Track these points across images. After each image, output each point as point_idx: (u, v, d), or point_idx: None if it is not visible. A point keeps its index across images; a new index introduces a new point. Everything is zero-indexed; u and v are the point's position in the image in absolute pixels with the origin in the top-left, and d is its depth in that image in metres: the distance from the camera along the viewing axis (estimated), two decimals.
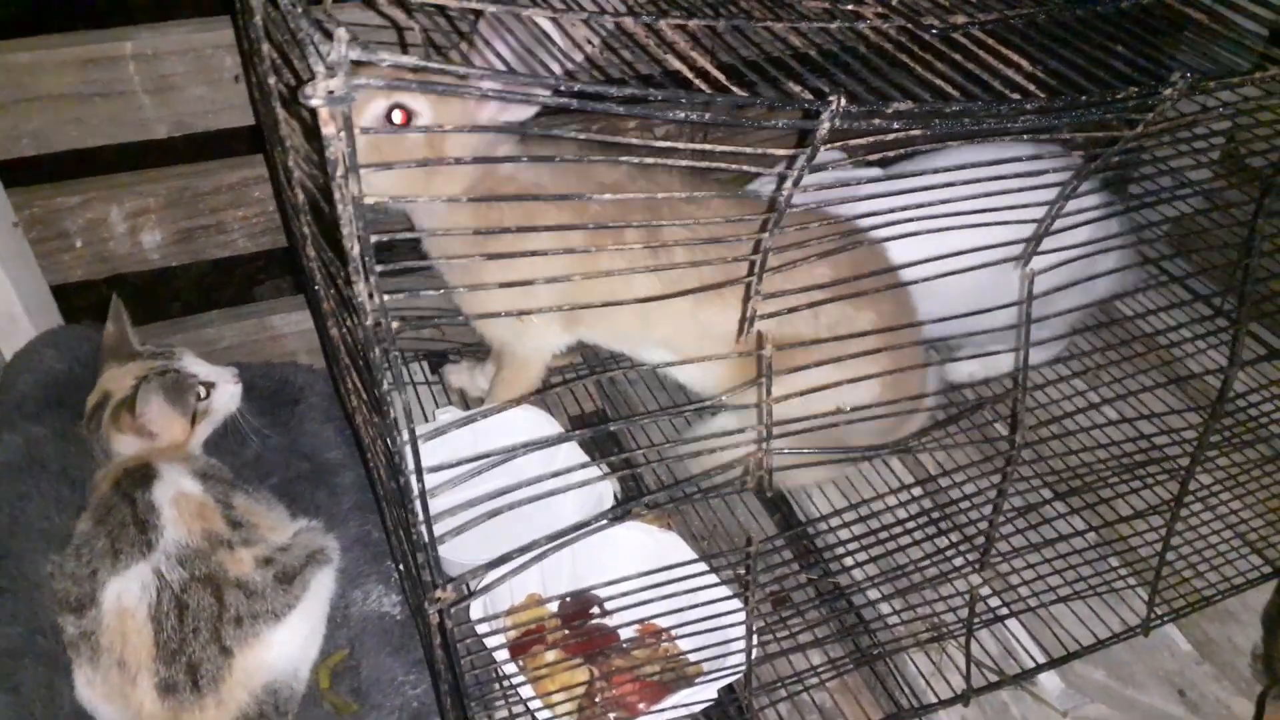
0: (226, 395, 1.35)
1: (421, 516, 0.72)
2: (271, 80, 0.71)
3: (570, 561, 1.36)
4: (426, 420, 1.61)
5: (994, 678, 1.31)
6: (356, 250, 0.56)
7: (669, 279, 1.30)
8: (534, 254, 0.67)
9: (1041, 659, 1.35)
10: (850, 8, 0.80)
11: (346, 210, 0.54)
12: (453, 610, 0.81)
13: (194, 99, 1.44)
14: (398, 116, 1.14)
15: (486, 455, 0.81)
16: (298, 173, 0.76)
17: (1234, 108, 1.12)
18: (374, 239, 0.58)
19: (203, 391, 1.32)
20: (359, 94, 0.49)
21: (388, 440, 0.67)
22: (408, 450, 0.69)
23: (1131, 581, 1.44)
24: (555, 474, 0.89)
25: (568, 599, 1.33)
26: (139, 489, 1.17)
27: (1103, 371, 1.63)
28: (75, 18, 1.43)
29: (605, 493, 1.43)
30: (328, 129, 0.51)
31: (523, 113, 1.15)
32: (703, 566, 1.25)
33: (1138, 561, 1.44)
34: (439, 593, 0.78)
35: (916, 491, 1.51)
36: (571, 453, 1.48)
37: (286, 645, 1.16)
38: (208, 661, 1.09)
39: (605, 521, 0.94)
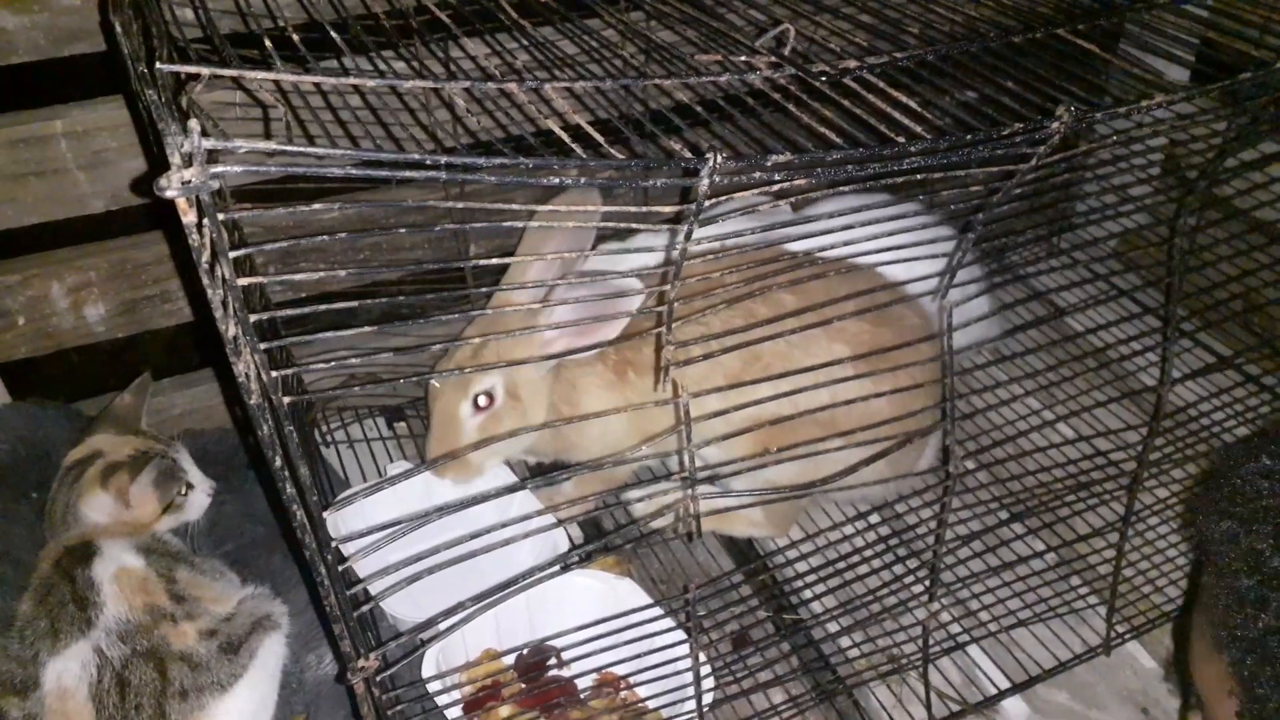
0: (198, 504, 1.36)
1: (331, 588, 0.71)
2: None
3: (527, 613, 1.35)
4: (382, 476, 1.60)
5: (956, 707, 1.31)
6: (233, 332, 0.56)
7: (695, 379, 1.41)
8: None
9: (1004, 684, 1.35)
10: (743, 59, 0.81)
11: (216, 294, 0.55)
12: (379, 678, 0.81)
13: (128, 172, 1.44)
14: (483, 400, 1.37)
15: (440, 507, 0.81)
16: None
17: (1167, 124, 1.14)
18: (255, 317, 0.58)
19: (183, 489, 1.33)
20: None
21: (290, 515, 0.67)
22: (326, 522, 0.69)
23: (1093, 601, 1.44)
24: (509, 523, 0.90)
25: (525, 652, 1.32)
26: (79, 566, 1.16)
27: (1055, 389, 1.64)
28: (5, 98, 1.43)
29: (560, 541, 1.42)
30: (187, 218, 0.51)
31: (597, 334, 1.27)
32: (656, 612, 1.24)
33: (1097, 580, 1.44)
34: (361, 662, 0.77)
35: (874, 519, 1.51)
36: (526, 501, 1.48)
37: (235, 715, 1.14)
38: None
39: (555, 569, 0.94)
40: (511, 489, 1.01)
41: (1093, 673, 1.38)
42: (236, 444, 1.60)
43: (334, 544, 0.71)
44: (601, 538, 1.56)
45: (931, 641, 1.26)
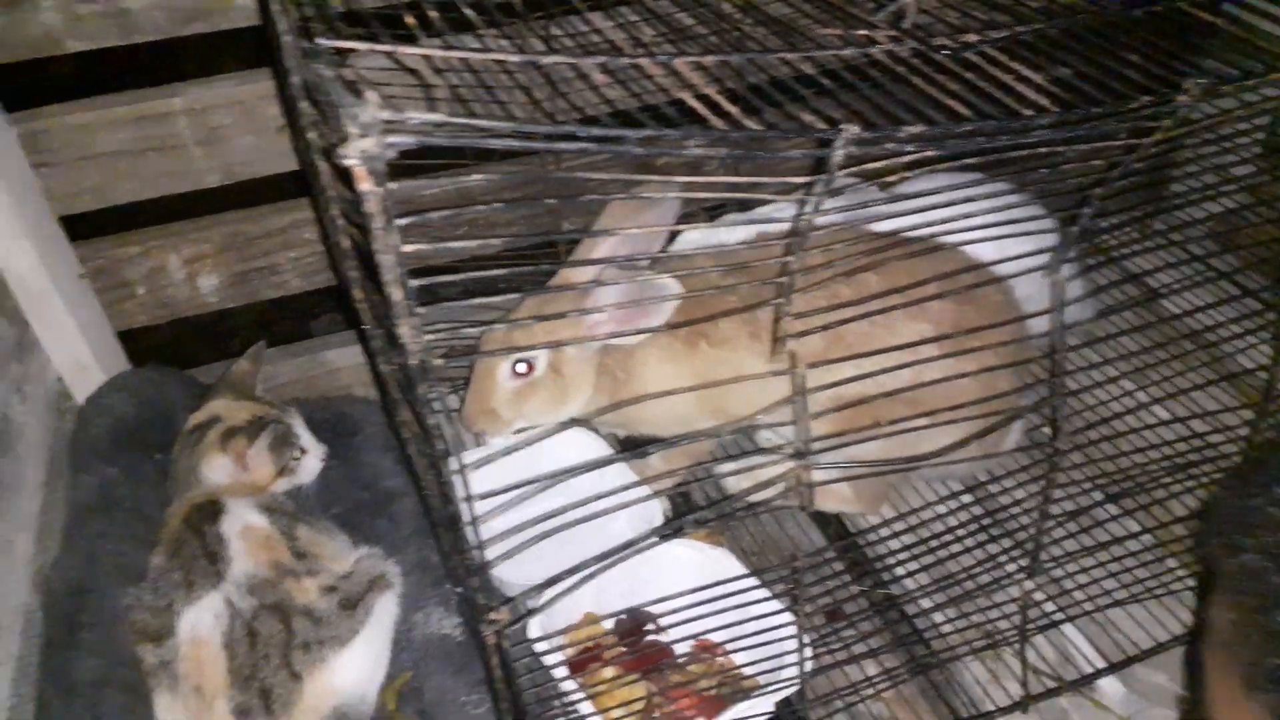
0: (311, 468, 1.42)
1: (473, 542, 0.75)
2: (312, 135, 0.75)
3: (625, 579, 1.38)
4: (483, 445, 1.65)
5: (1052, 684, 1.31)
6: (399, 296, 0.60)
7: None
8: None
9: (1100, 664, 1.34)
10: (862, 33, 0.82)
11: (387, 259, 0.58)
12: (508, 631, 0.85)
13: (242, 148, 1.50)
14: (522, 367, 1.39)
15: (539, 478, 0.84)
16: (341, 221, 0.81)
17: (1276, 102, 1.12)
18: (415, 282, 0.62)
19: (297, 454, 1.39)
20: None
21: (438, 470, 0.70)
22: (457, 479, 0.73)
23: (1190, 583, 1.42)
24: (607, 494, 0.93)
25: (623, 616, 1.35)
26: (207, 523, 1.23)
27: (1151, 371, 1.62)
28: (127, 76, 1.50)
29: (655, 512, 1.45)
30: (364, 186, 0.55)
31: (645, 320, 1.30)
32: (754, 581, 1.27)
33: (1195, 562, 1.43)
34: (494, 615, 0.81)
35: (966, 498, 1.51)
36: (622, 473, 1.51)
37: (353, 669, 1.20)
38: (279, 686, 1.14)
39: (655, 540, 0.97)
40: (610, 460, 1.04)
41: None
42: (339, 411, 1.66)
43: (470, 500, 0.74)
44: (690, 509, 1.59)
45: (1028, 618, 1.27)
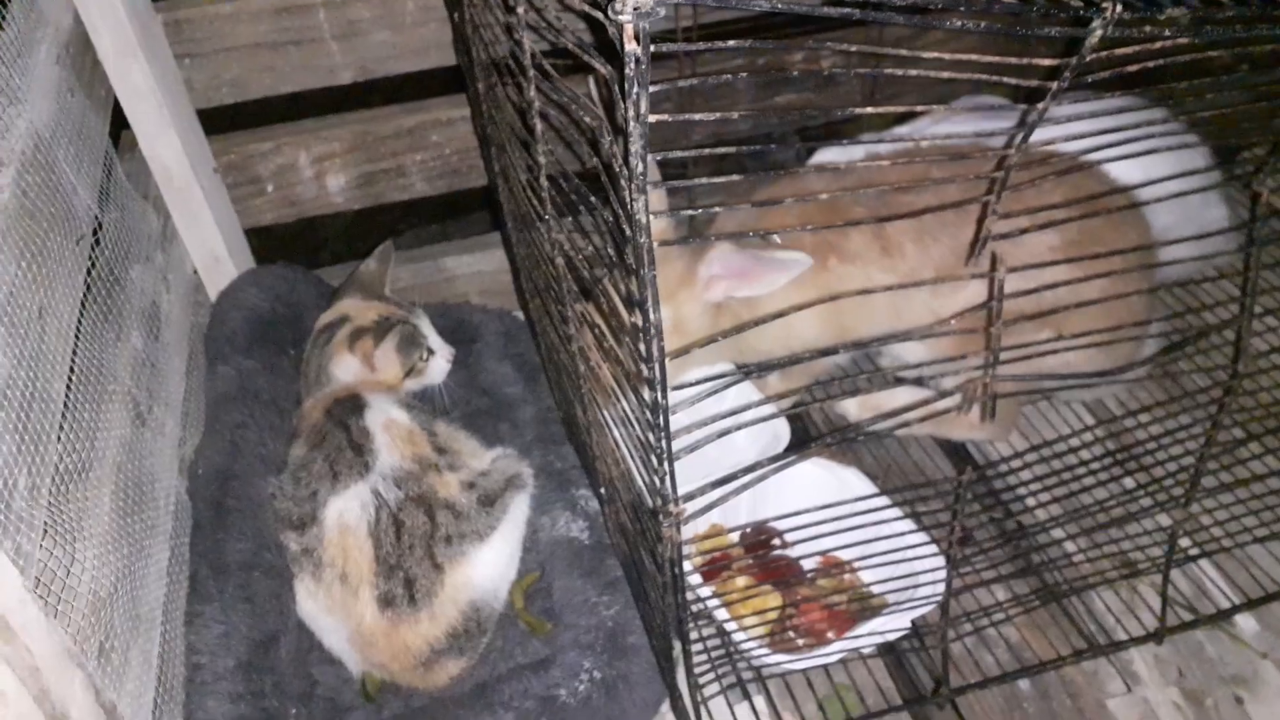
0: (439, 368, 1.42)
1: (664, 431, 0.74)
2: (522, 10, 0.73)
3: (750, 493, 1.37)
4: None
5: (1189, 616, 1.28)
6: (640, 167, 0.58)
7: (904, 272, 1.34)
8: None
9: (1237, 599, 1.31)
10: None
11: (636, 127, 0.56)
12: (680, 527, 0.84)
13: (378, 44, 1.48)
14: None
15: (709, 378, 0.83)
16: (539, 102, 0.79)
17: None
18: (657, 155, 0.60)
19: (425, 355, 1.39)
20: None
21: (649, 354, 0.69)
22: (658, 367, 0.71)
23: None
24: (732, 410, 0.91)
25: (748, 529, 1.35)
26: (352, 416, 1.24)
27: None
28: None
29: (781, 428, 1.44)
30: (630, 45, 0.52)
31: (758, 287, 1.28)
32: (886, 501, 1.25)
33: None
34: (673, 506, 0.80)
35: (1100, 432, 1.47)
36: (748, 389, 1.48)
37: (490, 565, 1.21)
38: (423, 577, 1.15)
39: (800, 456, 0.95)
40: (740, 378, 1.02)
41: None
42: (459, 317, 1.66)
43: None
44: (806, 432, 1.57)
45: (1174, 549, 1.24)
